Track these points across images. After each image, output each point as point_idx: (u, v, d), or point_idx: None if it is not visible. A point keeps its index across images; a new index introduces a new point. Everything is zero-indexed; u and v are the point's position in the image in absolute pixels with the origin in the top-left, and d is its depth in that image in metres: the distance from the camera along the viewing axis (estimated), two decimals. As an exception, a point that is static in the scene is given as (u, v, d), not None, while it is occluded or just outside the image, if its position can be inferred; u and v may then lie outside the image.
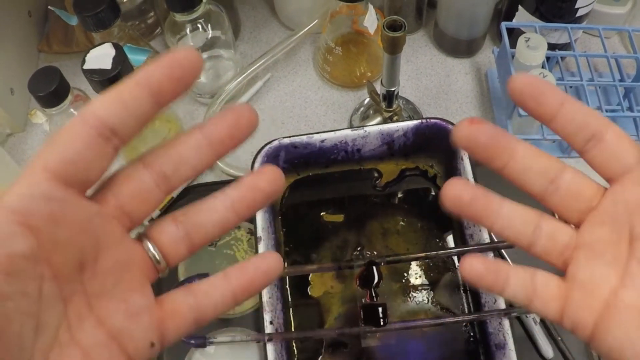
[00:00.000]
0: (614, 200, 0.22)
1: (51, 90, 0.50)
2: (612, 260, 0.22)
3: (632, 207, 0.22)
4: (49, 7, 0.59)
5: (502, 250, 0.50)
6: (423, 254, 0.45)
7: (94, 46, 0.48)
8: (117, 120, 0.19)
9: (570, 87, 0.56)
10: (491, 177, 0.55)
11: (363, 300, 0.44)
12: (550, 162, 0.23)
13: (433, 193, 0.52)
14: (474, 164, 0.47)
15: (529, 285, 0.23)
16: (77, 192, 0.19)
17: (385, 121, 0.54)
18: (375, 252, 0.49)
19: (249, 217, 0.23)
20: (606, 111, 0.54)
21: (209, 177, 0.56)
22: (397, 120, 0.54)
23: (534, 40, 0.51)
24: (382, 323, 0.42)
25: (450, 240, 0.50)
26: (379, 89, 0.52)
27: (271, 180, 0.23)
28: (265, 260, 0.23)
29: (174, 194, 0.53)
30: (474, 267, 0.23)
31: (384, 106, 0.53)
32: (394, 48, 0.45)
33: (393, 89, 0.51)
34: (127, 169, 0.21)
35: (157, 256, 0.22)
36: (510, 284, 0.23)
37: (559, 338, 0.48)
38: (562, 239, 0.23)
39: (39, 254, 0.18)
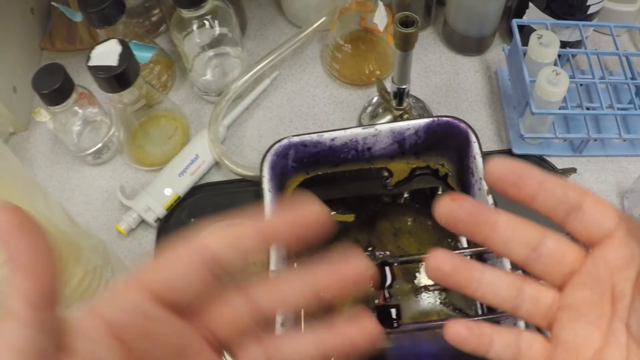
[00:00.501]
0: (595, 262, 0.23)
1: (55, 88, 0.49)
2: (596, 320, 0.23)
3: (612, 267, 0.23)
4: (52, 3, 0.58)
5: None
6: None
7: (99, 42, 0.47)
8: (228, 257, 0.20)
9: (581, 85, 0.56)
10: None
11: (376, 301, 0.43)
12: (531, 231, 0.24)
13: (444, 192, 0.51)
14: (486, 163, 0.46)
15: (514, 346, 0.24)
16: (171, 310, 0.20)
17: (395, 119, 0.53)
18: (387, 253, 0.48)
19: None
20: (618, 109, 0.53)
21: (217, 177, 0.55)
22: (407, 119, 0.53)
23: (547, 37, 0.50)
24: (395, 324, 0.41)
25: (463, 240, 0.49)
26: (389, 86, 0.52)
27: (366, 335, 0.22)
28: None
29: (181, 194, 0.53)
30: (458, 332, 0.24)
31: (394, 104, 0.52)
32: (406, 45, 0.45)
33: (404, 87, 0.50)
34: (225, 292, 0.21)
35: None
36: (494, 346, 0.24)
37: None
38: (546, 302, 0.24)
39: None
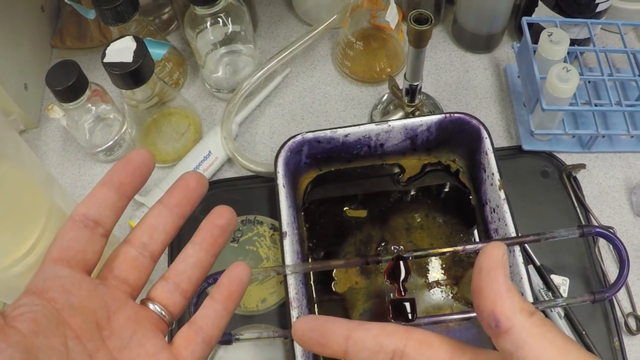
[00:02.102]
0: None
1: (69, 85, 0.49)
2: None
3: None
4: (65, 0, 0.58)
5: (526, 245, 0.50)
6: (451, 249, 0.45)
7: (114, 39, 0.47)
8: (95, 212, 0.25)
9: (590, 82, 0.56)
10: (512, 173, 0.54)
11: (391, 295, 0.44)
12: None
13: (455, 188, 0.52)
14: (498, 159, 0.47)
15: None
16: (80, 270, 0.24)
17: (407, 116, 0.54)
18: (401, 247, 0.49)
19: (219, 252, 0.28)
20: (626, 106, 0.54)
21: (229, 173, 0.55)
22: (419, 115, 0.54)
23: (557, 34, 0.51)
24: (410, 318, 0.42)
25: (474, 234, 0.50)
26: (401, 83, 0.52)
27: (224, 215, 0.29)
28: (235, 271, 0.27)
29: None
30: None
31: (406, 101, 0.52)
32: (419, 42, 0.45)
33: (417, 84, 0.50)
34: (115, 251, 0.26)
35: (159, 310, 0.26)
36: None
37: (584, 332, 0.47)
38: None
39: (58, 317, 0.22)
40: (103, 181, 0.25)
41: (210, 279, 0.44)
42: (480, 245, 0.48)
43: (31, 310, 0.21)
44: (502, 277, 0.21)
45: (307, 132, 0.48)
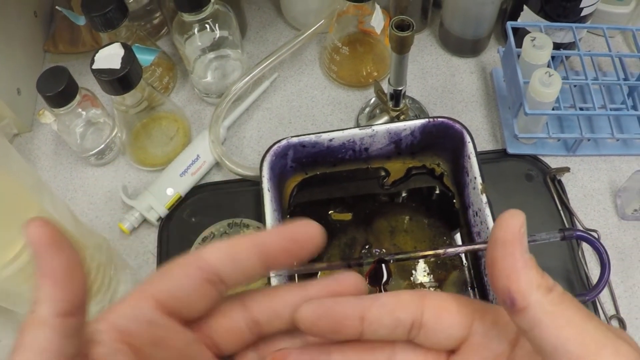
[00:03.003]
0: None
1: (60, 90, 0.50)
2: None
3: None
4: (56, 7, 0.59)
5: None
6: (432, 252, 0.45)
7: (103, 46, 0.48)
8: (226, 271, 0.20)
9: (575, 86, 0.57)
10: (497, 176, 0.55)
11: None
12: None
13: (439, 191, 0.53)
14: (481, 163, 0.47)
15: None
16: (178, 321, 0.21)
17: (392, 120, 0.54)
18: (383, 250, 0.50)
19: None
20: (610, 109, 0.54)
21: (217, 177, 0.56)
22: (404, 120, 0.54)
23: (540, 39, 0.51)
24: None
25: (457, 238, 0.50)
26: (386, 88, 0.53)
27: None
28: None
29: (182, 193, 0.54)
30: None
31: (391, 105, 0.53)
32: (402, 48, 0.46)
33: (400, 89, 0.51)
34: (226, 305, 0.22)
35: None
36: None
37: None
38: None
39: None
40: (254, 240, 0.21)
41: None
42: (461, 248, 0.49)
43: (111, 356, 0.19)
44: (519, 251, 0.19)
45: (292, 137, 0.49)
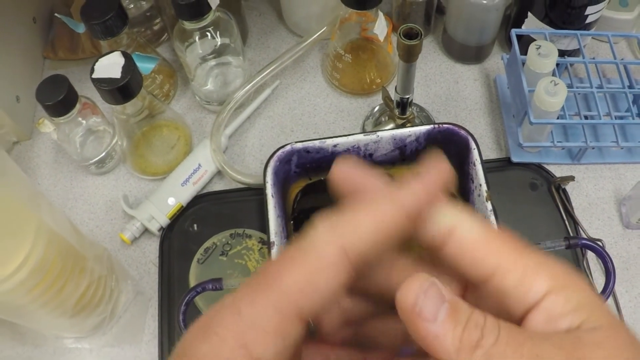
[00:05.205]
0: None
1: (59, 100, 0.49)
2: None
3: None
4: (55, 14, 0.58)
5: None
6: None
7: (103, 54, 0.48)
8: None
9: (579, 94, 0.56)
10: (501, 185, 0.54)
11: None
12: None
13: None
14: (486, 170, 0.47)
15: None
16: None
17: (398, 128, 0.54)
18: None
19: None
20: (615, 118, 0.54)
21: (219, 186, 0.56)
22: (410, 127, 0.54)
23: (545, 47, 0.51)
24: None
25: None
26: (393, 95, 0.52)
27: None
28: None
29: (184, 203, 0.53)
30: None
31: (397, 113, 0.53)
32: (410, 56, 0.45)
33: (407, 96, 0.50)
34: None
35: None
36: None
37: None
38: None
39: None
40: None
41: (198, 287, 0.45)
42: None
43: None
44: (422, 325, 0.17)
45: (296, 142, 0.48)
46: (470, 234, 0.18)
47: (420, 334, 0.17)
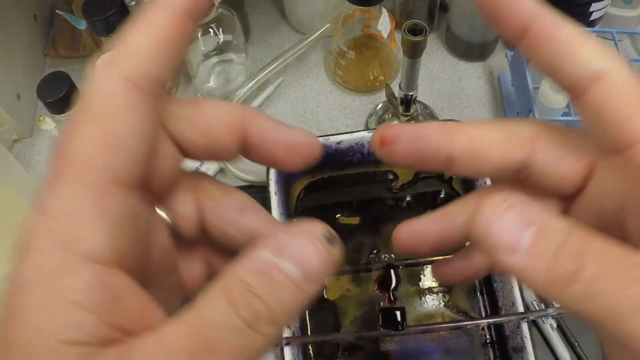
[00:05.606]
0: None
1: (61, 97, 0.49)
2: None
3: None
4: (57, 11, 0.58)
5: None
6: (442, 257, 0.45)
7: (105, 52, 0.47)
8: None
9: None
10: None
11: (381, 303, 0.44)
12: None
13: (448, 195, 0.52)
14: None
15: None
16: None
17: (400, 125, 0.54)
18: (392, 255, 0.49)
19: None
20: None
21: (221, 182, 0.55)
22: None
23: (549, 43, 0.51)
24: (400, 327, 0.42)
25: (466, 242, 0.50)
26: (396, 92, 0.52)
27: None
28: None
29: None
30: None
31: (401, 110, 0.52)
32: (414, 52, 0.45)
33: (411, 93, 0.50)
34: None
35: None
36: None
37: (576, 344, 0.47)
38: None
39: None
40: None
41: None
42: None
43: None
44: None
45: (299, 140, 0.48)
46: (624, 85, 0.15)
47: (504, 268, 0.14)
